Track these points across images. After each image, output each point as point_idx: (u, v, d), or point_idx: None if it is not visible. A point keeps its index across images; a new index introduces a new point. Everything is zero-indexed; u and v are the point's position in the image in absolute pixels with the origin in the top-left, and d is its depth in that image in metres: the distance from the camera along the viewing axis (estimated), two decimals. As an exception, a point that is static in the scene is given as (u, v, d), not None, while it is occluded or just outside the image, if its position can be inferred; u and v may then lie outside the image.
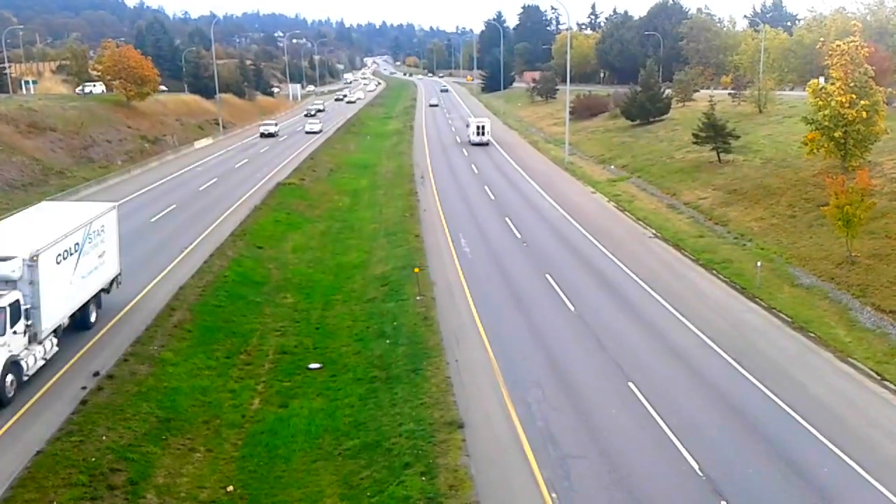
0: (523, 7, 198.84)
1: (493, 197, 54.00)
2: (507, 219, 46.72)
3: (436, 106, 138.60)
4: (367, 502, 18.43)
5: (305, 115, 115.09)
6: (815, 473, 18.76)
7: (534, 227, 44.60)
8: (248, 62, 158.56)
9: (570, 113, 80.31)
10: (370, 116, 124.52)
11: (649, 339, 27.51)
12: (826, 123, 41.77)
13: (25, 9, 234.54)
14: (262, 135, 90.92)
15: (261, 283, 35.52)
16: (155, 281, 33.21)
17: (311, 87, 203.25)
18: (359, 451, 20.81)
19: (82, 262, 26.21)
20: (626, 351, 26.33)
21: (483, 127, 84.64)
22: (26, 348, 22.63)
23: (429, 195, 55.18)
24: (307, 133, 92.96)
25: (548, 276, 34.75)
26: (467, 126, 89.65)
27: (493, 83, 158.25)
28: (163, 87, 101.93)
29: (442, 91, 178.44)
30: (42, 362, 23.56)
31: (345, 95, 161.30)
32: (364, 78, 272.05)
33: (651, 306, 30.85)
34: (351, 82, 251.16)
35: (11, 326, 21.76)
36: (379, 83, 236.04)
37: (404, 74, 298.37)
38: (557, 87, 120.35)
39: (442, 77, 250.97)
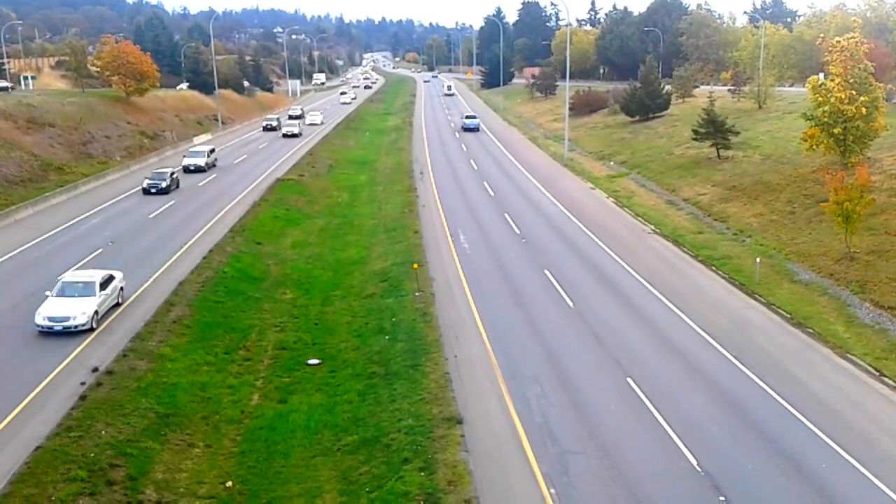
0: (523, 3, 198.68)
1: (492, 193, 53.96)
2: (506, 215, 46.70)
3: (428, 82, 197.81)
4: (365, 498, 18.44)
5: (146, 190, 51.42)
6: (814, 469, 18.77)
7: (533, 223, 44.58)
8: (248, 58, 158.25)
9: (570, 109, 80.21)
10: (369, 112, 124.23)
11: (648, 335, 27.52)
12: (826, 120, 41.74)
13: (24, 4, 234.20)
14: None
15: (260, 278, 35.51)
16: (154, 277, 33.18)
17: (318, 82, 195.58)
18: (358, 446, 20.83)
19: None
20: (625, 347, 26.34)
21: (451, 86, 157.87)
22: None
23: (428, 191, 55.14)
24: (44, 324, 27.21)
25: (547, 272, 34.74)
26: (443, 85, 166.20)
27: (493, 79, 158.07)
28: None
29: (433, 77, 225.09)
30: None
31: (278, 122, 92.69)
32: (365, 78, 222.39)
33: (650, 302, 30.85)
34: (322, 84, 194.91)
35: None
36: (370, 85, 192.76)
37: (392, 68, 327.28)
38: (557, 83, 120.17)
39: (420, 71, 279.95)
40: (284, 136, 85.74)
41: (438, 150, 77.91)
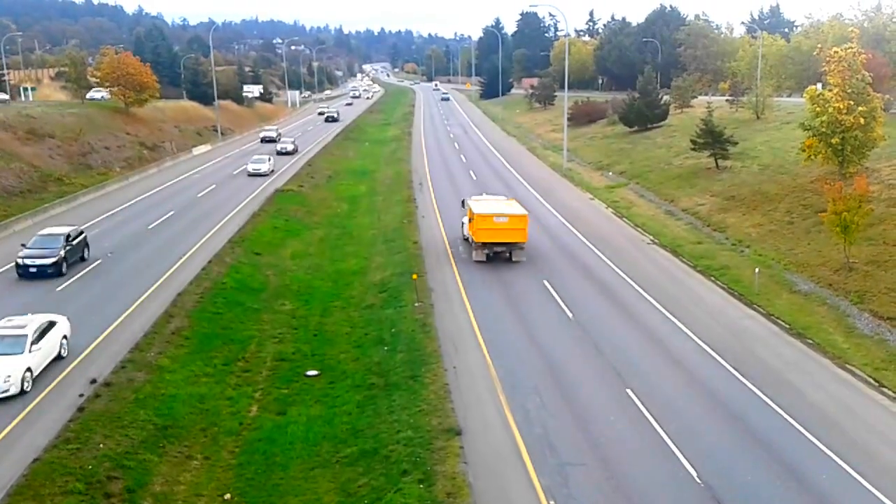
0: (521, 14, 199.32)
1: (491, 203, 53.91)
2: (505, 225, 46.61)
3: (417, 84, 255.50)
4: (364, 510, 18.37)
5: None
6: (814, 480, 18.73)
7: (532, 234, 44.50)
8: (247, 69, 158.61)
9: (569, 119, 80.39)
10: (369, 123, 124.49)
11: (647, 345, 27.49)
12: (823, 130, 41.81)
13: (24, 15, 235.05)
14: None
15: (259, 289, 35.47)
16: (153, 288, 33.16)
17: (327, 92, 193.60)
18: (357, 458, 20.76)
19: None
20: (625, 357, 26.31)
21: (437, 83, 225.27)
22: None
23: (427, 201, 55.17)
24: None
25: (546, 282, 34.73)
26: (432, 85, 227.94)
27: (492, 90, 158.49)
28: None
29: (415, 84, 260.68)
30: None
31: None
32: (354, 96, 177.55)
33: (649, 313, 30.83)
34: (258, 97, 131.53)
35: None
36: (335, 117, 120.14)
37: (387, 76, 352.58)
38: (556, 94, 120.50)
39: (403, 80, 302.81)
40: None
41: (437, 160, 78.00)
